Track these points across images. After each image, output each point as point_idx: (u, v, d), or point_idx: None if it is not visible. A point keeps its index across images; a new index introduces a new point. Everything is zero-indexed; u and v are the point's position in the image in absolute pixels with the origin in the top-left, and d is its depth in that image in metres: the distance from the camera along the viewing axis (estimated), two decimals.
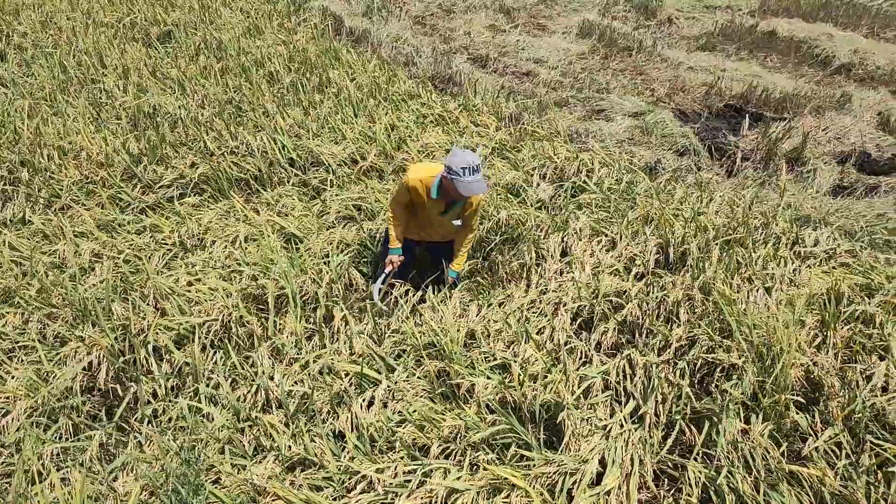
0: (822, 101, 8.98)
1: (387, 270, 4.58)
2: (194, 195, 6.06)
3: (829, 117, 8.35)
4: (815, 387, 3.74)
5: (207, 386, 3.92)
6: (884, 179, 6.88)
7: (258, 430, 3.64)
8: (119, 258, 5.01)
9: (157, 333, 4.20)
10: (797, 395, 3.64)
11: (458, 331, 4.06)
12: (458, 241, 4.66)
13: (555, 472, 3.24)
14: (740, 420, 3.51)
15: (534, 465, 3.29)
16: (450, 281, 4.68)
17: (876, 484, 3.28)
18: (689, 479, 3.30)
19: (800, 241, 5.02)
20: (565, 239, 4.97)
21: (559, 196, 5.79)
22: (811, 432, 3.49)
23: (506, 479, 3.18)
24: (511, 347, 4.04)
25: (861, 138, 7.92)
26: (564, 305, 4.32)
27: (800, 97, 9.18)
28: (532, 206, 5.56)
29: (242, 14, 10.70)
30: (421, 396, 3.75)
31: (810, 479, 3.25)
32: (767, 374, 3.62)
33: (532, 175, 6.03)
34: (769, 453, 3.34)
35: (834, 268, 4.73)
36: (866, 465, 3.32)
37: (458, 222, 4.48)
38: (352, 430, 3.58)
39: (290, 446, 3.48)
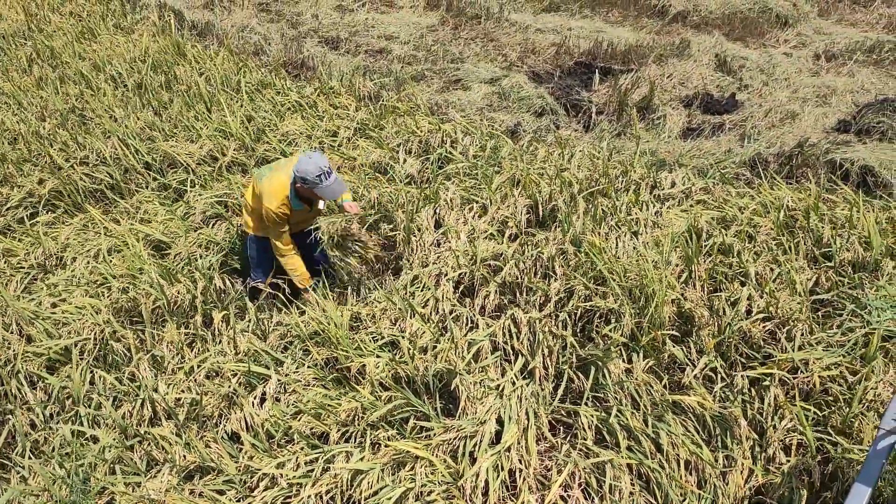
0: (663, 50, 9.39)
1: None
2: (47, 212, 5.72)
3: (672, 64, 8.74)
4: (687, 319, 3.96)
5: (88, 407, 3.74)
6: (727, 118, 7.29)
7: (149, 444, 3.51)
8: None
9: (25, 361, 3.97)
10: (672, 330, 3.83)
11: (341, 315, 4.03)
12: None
13: (455, 438, 3.29)
14: (623, 360, 3.68)
15: (434, 435, 3.33)
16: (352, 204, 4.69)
17: (751, 401, 3.52)
18: (582, 423, 3.42)
19: (658, 184, 5.27)
20: (438, 210, 5.01)
21: (427, 169, 5.82)
22: (688, 362, 3.69)
23: (408, 452, 3.20)
24: (397, 324, 4.06)
25: (703, 81, 8.35)
26: (445, 276, 4.37)
27: (643, 48, 9.56)
28: (401, 182, 5.57)
29: (73, 18, 10.09)
30: (313, 385, 3.71)
31: (692, 406, 3.44)
32: (643, 314, 3.79)
33: (397, 151, 6.03)
34: (652, 388, 3.52)
35: (692, 206, 4.99)
36: (740, 386, 3.55)
37: (322, 204, 4.56)
38: (246, 430, 3.51)
39: (184, 455, 3.38)
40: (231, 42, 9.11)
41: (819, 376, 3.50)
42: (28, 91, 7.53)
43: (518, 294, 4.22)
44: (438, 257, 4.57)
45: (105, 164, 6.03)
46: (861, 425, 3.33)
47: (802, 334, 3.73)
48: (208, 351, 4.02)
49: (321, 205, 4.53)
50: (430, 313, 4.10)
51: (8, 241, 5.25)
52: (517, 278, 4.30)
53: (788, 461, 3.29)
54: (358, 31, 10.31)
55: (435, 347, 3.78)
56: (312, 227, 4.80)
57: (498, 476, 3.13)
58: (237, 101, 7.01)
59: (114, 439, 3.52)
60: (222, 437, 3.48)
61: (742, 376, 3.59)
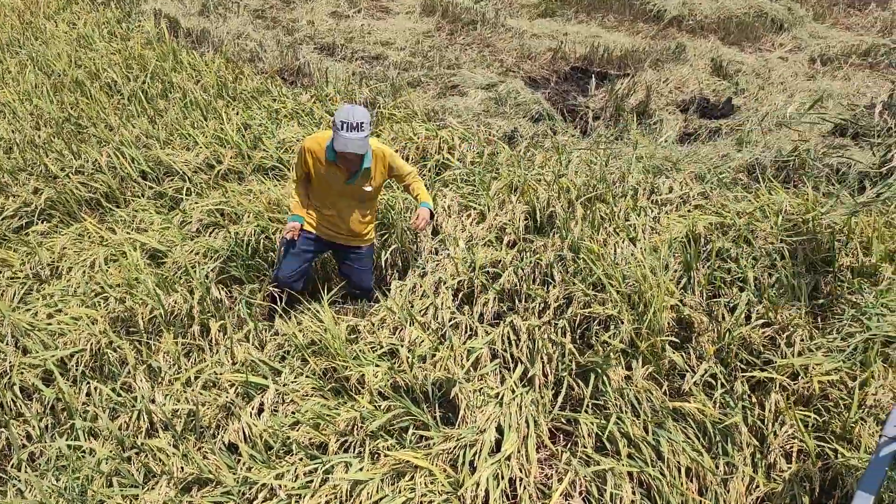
0: (659, 55, 9.40)
1: (286, 236, 4.29)
2: (42, 222, 5.70)
3: (668, 69, 8.75)
4: (686, 325, 3.95)
5: (84, 419, 3.72)
6: (724, 122, 7.29)
7: (146, 456, 3.48)
8: None
9: (21, 373, 3.94)
10: (671, 336, 3.82)
11: (336, 324, 4.02)
12: (411, 188, 4.40)
13: (455, 447, 3.28)
14: (622, 367, 3.67)
15: (434, 444, 3.31)
16: (424, 214, 4.20)
17: (751, 407, 3.51)
18: (582, 431, 3.41)
19: (655, 189, 5.26)
20: (435, 217, 5.00)
21: (424, 175, 5.80)
22: (688, 368, 3.69)
23: (408, 461, 3.18)
24: (397, 333, 4.04)
25: (699, 86, 8.36)
26: (444, 283, 4.35)
27: (639, 52, 9.58)
28: (399, 189, 5.56)
29: (68, 26, 10.08)
30: (311, 396, 3.69)
31: (692, 413, 3.43)
32: (641, 321, 3.78)
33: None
34: (652, 394, 3.51)
35: (689, 211, 4.98)
36: (740, 392, 3.54)
37: (370, 187, 4.23)
38: (245, 441, 3.49)
39: (182, 467, 3.35)
40: (227, 49, 9.11)
41: (819, 382, 3.49)
42: (23, 99, 7.51)
43: (517, 301, 4.22)
44: (437, 264, 4.56)
45: (100, 173, 6.01)
46: (861, 431, 3.32)
47: (802, 340, 3.73)
48: (205, 361, 4.00)
49: (367, 188, 4.22)
50: (430, 321, 4.09)
51: (3, 251, 5.21)
52: (516, 285, 4.29)
53: (789, 468, 3.28)
54: (354, 38, 10.31)
55: (434, 356, 3.76)
56: (361, 246, 4.49)
57: (498, 485, 3.11)
58: (233, 109, 7.00)
59: (110, 451, 3.49)
60: (220, 448, 3.46)
61: (742, 382, 3.59)
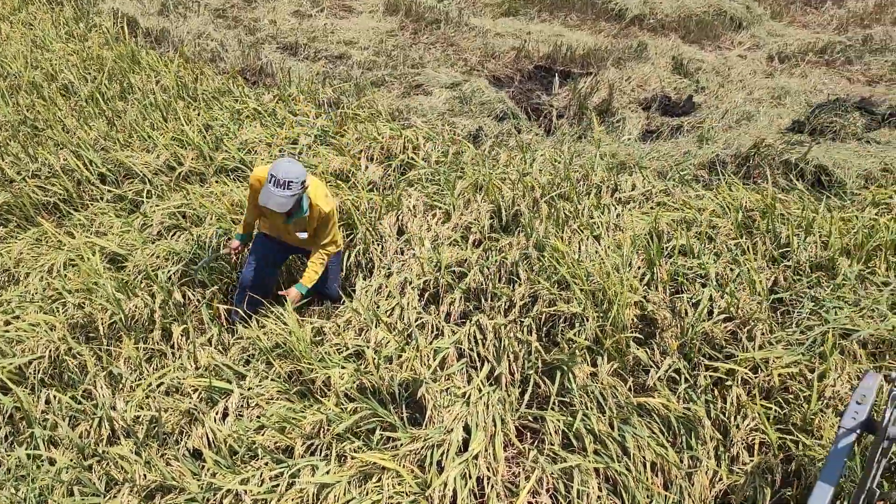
0: (621, 53, 9.47)
1: (224, 251, 4.55)
2: None
3: (630, 67, 8.82)
4: (650, 322, 3.99)
5: (44, 428, 3.65)
6: (685, 119, 7.37)
7: (107, 464, 3.43)
8: None
9: None
10: (635, 333, 3.86)
11: (301, 327, 3.99)
12: (308, 255, 4.35)
13: (422, 447, 3.28)
14: (588, 364, 3.69)
15: (401, 445, 3.31)
16: (292, 296, 4.22)
17: (714, 401, 3.55)
18: (549, 429, 3.43)
19: (619, 187, 5.30)
20: (400, 217, 4.98)
21: (389, 175, 5.79)
22: (652, 364, 3.72)
23: (375, 463, 3.17)
24: (362, 334, 4.02)
25: (660, 83, 8.43)
26: (410, 283, 4.35)
27: (602, 51, 9.64)
28: (363, 189, 5.53)
29: (24, 26, 9.87)
30: (277, 399, 3.66)
31: (657, 408, 3.47)
32: (606, 318, 3.81)
33: (359, 158, 5.99)
34: (617, 390, 3.55)
35: (652, 208, 5.03)
36: (703, 386, 3.58)
37: (304, 235, 4.20)
38: (209, 446, 3.45)
39: (144, 475, 3.31)
40: (187, 49, 8.99)
41: (779, 375, 3.55)
42: None
43: (483, 300, 4.22)
44: (403, 264, 4.55)
45: (57, 177, 5.90)
46: (821, 422, 3.38)
47: (763, 333, 3.78)
48: (167, 366, 3.95)
49: (301, 235, 4.21)
50: (395, 322, 4.08)
51: None
52: (482, 284, 4.30)
53: (752, 460, 3.33)
54: (317, 37, 10.23)
55: (400, 356, 3.76)
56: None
57: (466, 485, 3.12)
58: (194, 110, 6.91)
59: (71, 460, 3.44)
60: (184, 454, 3.42)
61: (705, 376, 3.63)
